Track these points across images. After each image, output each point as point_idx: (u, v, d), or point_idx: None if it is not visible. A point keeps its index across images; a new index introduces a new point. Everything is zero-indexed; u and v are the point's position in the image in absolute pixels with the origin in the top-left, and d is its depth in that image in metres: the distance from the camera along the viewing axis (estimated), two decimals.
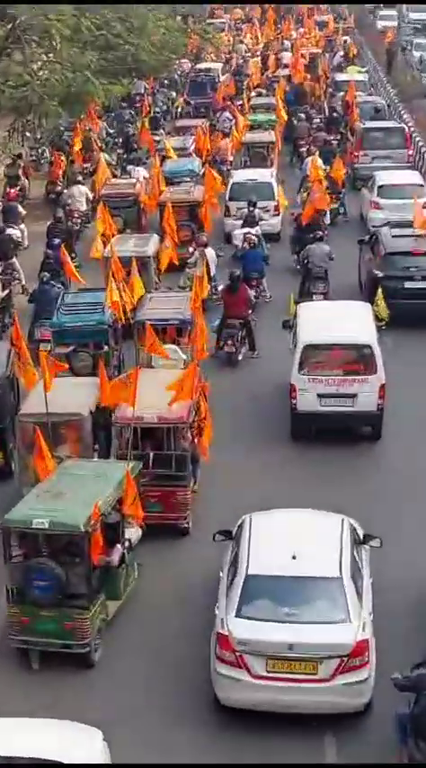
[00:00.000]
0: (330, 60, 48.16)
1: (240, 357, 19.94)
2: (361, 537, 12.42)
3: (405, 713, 9.90)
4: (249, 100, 38.77)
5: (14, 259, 23.19)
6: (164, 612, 13.06)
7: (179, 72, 44.03)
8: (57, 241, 22.82)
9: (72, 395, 14.66)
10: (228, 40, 54.80)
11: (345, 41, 54.89)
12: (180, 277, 21.92)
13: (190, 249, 22.71)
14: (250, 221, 24.07)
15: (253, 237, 22.71)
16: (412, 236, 21.94)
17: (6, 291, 21.78)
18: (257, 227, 23.75)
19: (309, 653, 10.78)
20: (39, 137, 32.55)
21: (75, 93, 28.39)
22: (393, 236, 22.06)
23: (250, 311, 20.25)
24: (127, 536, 13.09)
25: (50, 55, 29.33)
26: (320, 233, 23.04)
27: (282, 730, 10.91)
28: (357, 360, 16.78)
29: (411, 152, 31.58)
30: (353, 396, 16.62)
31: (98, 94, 29.49)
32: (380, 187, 26.87)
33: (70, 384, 15.27)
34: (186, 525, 14.54)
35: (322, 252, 22.07)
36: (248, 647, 10.85)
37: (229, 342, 19.75)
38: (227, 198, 26.72)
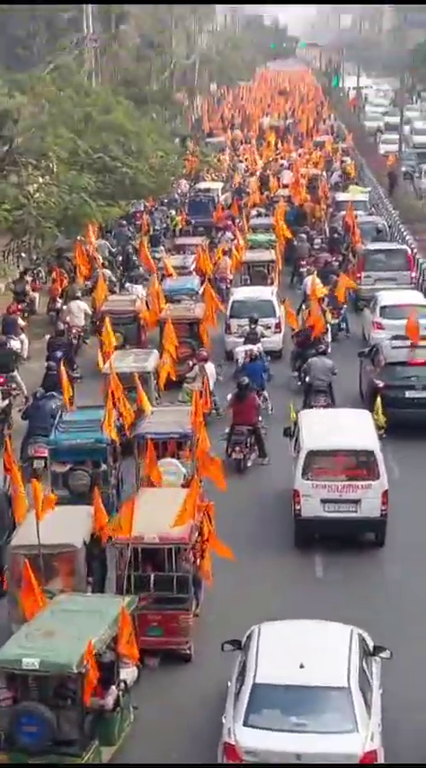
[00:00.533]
0: (328, 180, 48.40)
1: (249, 463, 20.06)
2: (371, 648, 12.31)
3: None
4: (248, 220, 38.72)
5: (16, 372, 23.13)
6: (164, 754, 12.15)
7: (178, 192, 44.22)
8: (59, 354, 23.09)
9: (65, 525, 14.05)
10: (227, 160, 55.38)
11: (344, 161, 55.42)
12: (179, 393, 21.98)
13: (190, 363, 22.85)
14: (251, 338, 24.15)
15: (255, 351, 22.80)
16: (411, 347, 22.54)
17: (6, 402, 21.68)
18: (259, 345, 23.76)
19: (317, 763, 10.69)
20: (35, 257, 32.28)
21: (71, 215, 28.34)
22: (392, 348, 22.64)
23: (259, 418, 20.43)
24: (122, 677, 12.32)
25: (47, 177, 29.28)
26: (323, 347, 23.27)
27: None
28: (359, 465, 16.94)
29: (414, 274, 31.22)
30: (357, 501, 16.71)
31: (95, 216, 29.46)
32: (383, 308, 26.65)
33: (63, 513, 14.56)
34: (188, 651, 13.91)
35: (324, 365, 22.23)
36: (255, 757, 10.80)
37: (237, 448, 19.89)
38: (228, 315, 26.72)
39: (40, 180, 28.95)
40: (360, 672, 11.49)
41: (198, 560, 14.52)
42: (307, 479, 16.80)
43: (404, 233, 38.27)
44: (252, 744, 10.77)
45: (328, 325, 25.77)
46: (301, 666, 11.26)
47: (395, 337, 23.28)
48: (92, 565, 14.30)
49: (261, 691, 11.12)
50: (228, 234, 36.15)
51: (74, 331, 26.42)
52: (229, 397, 20.80)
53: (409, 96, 76.52)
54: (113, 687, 11.96)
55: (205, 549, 14.59)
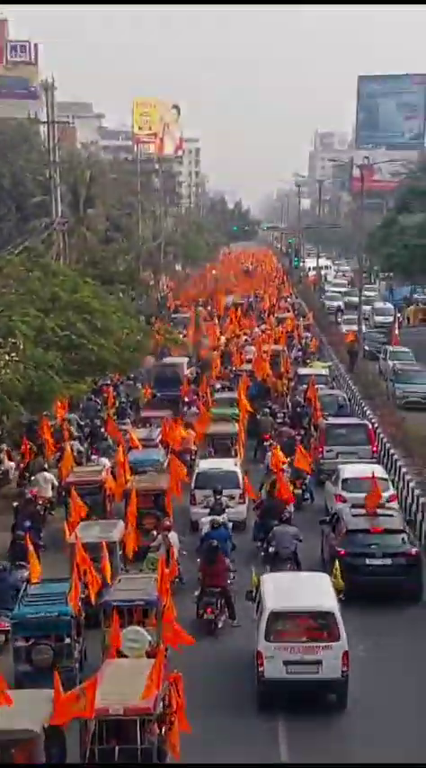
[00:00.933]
0: (290, 355, 49.49)
1: (220, 624, 20.41)
2: None
3: None
4: (212, 394, 39.32)
5: None
6: None
7: (143, 369, 45.04)
8: (27, 524, 23.51)
9: (24, 710, 13.64)
10: (191, 336, 56.60)
11: (306, 337, 56.79)
12: (144, 562, 21.92)
13: (155, 533, 23.19)
14: (216, 509, 24.43)
15: (219, 520, 23.00)
16: (373, 514, 23.12)
17: None
18: (224, 515, 24.04)
19: None
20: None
21: (37, 391, 28.66)
22: (353, 516, 23.18)
23: (228, 582, 20.83)
24: None
25: (13, 354, 29.74)
26: (287, 515, 23.52)
27: None
28: (320, 627, 17.32)
29: (375, 448, 31.68)
30: (318, 662, 17.07)
31: (61, 392, 29.82)
32: (344, 480, 26.98)
33: (22, 697, 14.34)
34: None
35: (288, 533, 22.50)
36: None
37: (209, 610, 20.25)
38: (193, 486, 27.19)
39: (7, 357, 29.40)
40: None
41: (163, 732, 14.36)
42: (270, 641, 17.14)
43: (365, 408, 39.02)
44: None
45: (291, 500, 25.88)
46: None
47: (355, 506, 23.84)
48: (51, 751, 13.79)
49: None
50: (193, 408, 36.96)
51: (40, 502, 26.66)
52: (198, 560, 21.25)
53: (367, 276, 79.13)
54: None
55: (172, 721, 14.49)
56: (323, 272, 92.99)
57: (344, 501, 25.88)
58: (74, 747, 14.18)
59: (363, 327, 56.11)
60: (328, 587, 18.46)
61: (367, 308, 64.22)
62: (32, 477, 28.35)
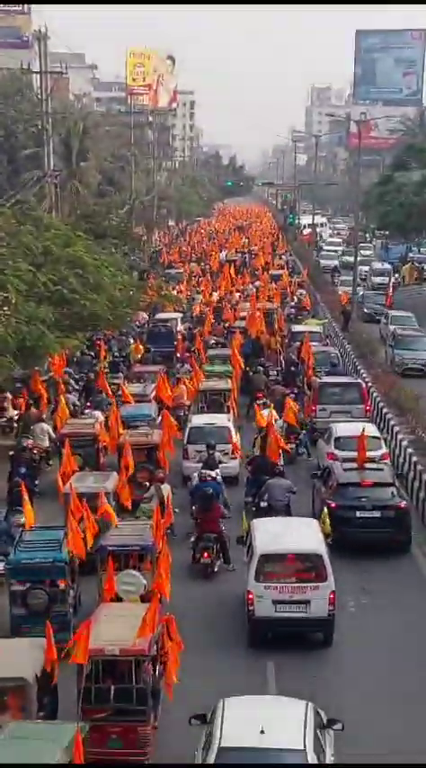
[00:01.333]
0: (283, 312, 49.35)
1: (216, 569, 21.19)
2: (325, 721, 13.52)
3: None
4: (205, 350, 39.17)
5: None
6: None
7: (136, 323, 44.90)
8: (23, 470, 24.30)
9: (16, 656, 14.16)
10: (185, 292, 56.43)
11: (300, 294, 56.61)
12: (136, 512, 22.16)
13: (147, 484, 23.55)
14: (210, 464, 24.70)
15: (206, 472, 23.43)
16: (362, 468, 23.59)
17: None
18: (217, 470, 24.36)
19: None
20: None
21: (29, 346, 28.49)
22: (344, 470, 23.70)
23: (223, 528, 21.49)
24: None
25: (5, 308, 29.51)
26: (280, 468, 24.02)
27: None
28: (309, 568, 18.21)
29: (368, 407, 31.64)
30: (306, 602, 17.91)
31: (53, 348, 29.64)
32: (337, 439, 27.01)
33: (14, 645, 14.94)
34: (147, 763, 14.34)
35: (281, 486, 23.02)
36: None
37: (205, 554, 21.09)
38: (186, 441, 27.41)
39: None
40: (315, 738, 12.71)
41: (156, 672, 14.99)
42: (260, 581, 18.00)
43: (359, 367, 38.92)
44: None
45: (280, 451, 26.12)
46: (262, 731, 12.36)
47: (346, 460, 24.27)
48: (43, 700, 14.19)
49: (225, 753, 12.25)
50: (186, 365, 37.02)
51: (36, 451, 27.06)
52: (194, 508, 22.07)
53: (363, 235, 78.70)
54: None
55: (165, 662, 15.09)
56: (318, 230, 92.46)
57: (336, 459, 25.91)
58: (68, 688, 14.47)
59: (360, 289, 55.90)
60: (316, 531, 19.35)
61: (364, 268, 63.90)
62: (31, 428, 28.48)
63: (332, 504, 22.44)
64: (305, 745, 12.37)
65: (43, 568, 18.09)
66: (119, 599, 17.23)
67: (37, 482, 25.01)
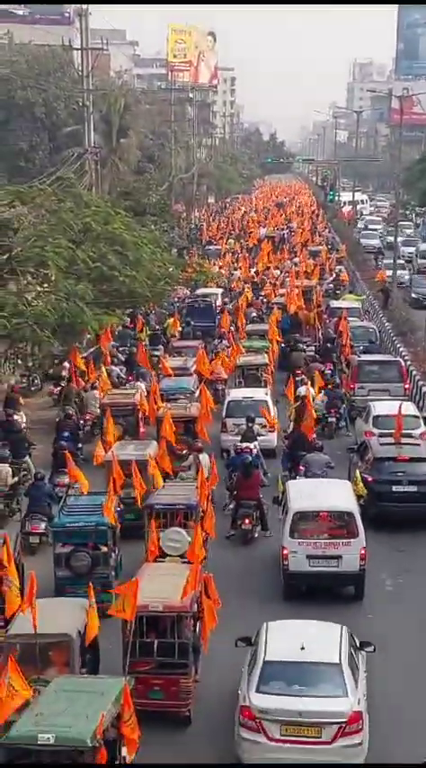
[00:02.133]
0: (322, 289, 49.38)
1: (256, 535, 21.87)
2: (358, 644, 15.07)
3: None
4: (245, 324, 39.46)
5: (27, 458, 24.97)
6: None
7: (176, 299, 45.18)
8: (66, 434, 25.46)
9: (61, 616, 14.80)
10: (225, 268, 56.63)
11: (338, 270, 56.49)
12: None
13: (186, 453, 24.08)
14: (249, 436, 25.12)
15: (243, 446, 23.98)
16: (399, 443, 23.69)
17: (16, 479, 23.30)
18: (255, 442, 24.81)
19: (315, 719, 13.36)
20: (30, 364, 32.69)
21: (68, 323, 28.77)
22: (381, 444, 23.84)
23: (260, 495, 22.12)
24: (122, 754, 12.70)
25: (45, 285, 29.80)
26: (319, 443, 24.54)
27: None
28: (341, 525, 19.08)
29: (407, 386, 31.55)
30: (338, 557, 18.81)
31: (91, 324, 29.89)
32: (375, 418, 26.98)
33: (59, 604, 15.74)
34: (187, 714, 15.05)
35: (320, 461, 23.37)
36: (266, 715, 13.48)
37: (246, 521, 21.73)
38: (224, 415, 27.92)
39: (38, 288, 29.45)
40: (349, 656, 14.26)
41: (196, 629, 15.66)
42: (294, 538, 18.90)
43: (398, 345, 38.82)
44: (264, 705, 13.49)
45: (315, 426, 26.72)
46: (302, 648, 14.03)
47: (383, 434, 24.47)
48: (85, 656, 14.76)
49: (269, 666, 13.89)
50: (225, 341, 37.53)
51: (88, 417, 28.23)
52: (234, 476, 22.63)
53: (404, 213, 77.96)
54: (117, 764, 12.40)
55: (202, 618, 15.73)
56: (358, 207, 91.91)
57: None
58: (109, 646, 15.21)
59: (405, 273, 55.11)
60: (349, 491, 20.29)
61: (408, 249, 62.76)
62: (84, 396, 29.30)
63: (369, 479, 22.64)
64: (340, 660, 13.98)
65: (87, 532, 18.71)
66: (162, 556, 18.04)
67: (80, 446, 25.88)
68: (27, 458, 24.98)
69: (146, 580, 15.15)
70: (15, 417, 26.58)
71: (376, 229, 77.82)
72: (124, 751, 12.65)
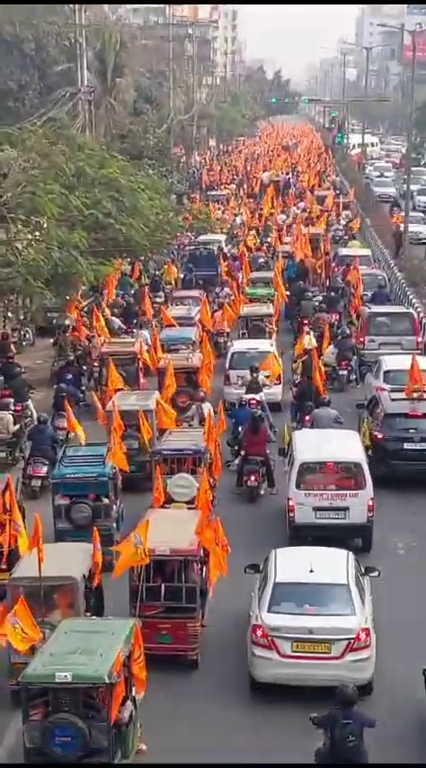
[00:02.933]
0: (328, 236, 49.22)
1: (261, 492, 22.09)
2: (363, 569, 16.08)
3: (322, 749, 12.45)
4: (249, 274, 39.57)
5: (29, 401, 25.64)
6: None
7: (176, 246, 45.02)
8: (70, 376, 26.42)
9: (65, 560, 15.41)
10: (229, 213, 56.49)
11: (346, 215, 56.32)
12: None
13: (188, 403, 24.75)
14: (254, 388, 25.44)
15: (248, 398, 24.35)
16: (411, 398, 23.39)
17: (17, 427, 23.78)
18: (261, 394, 25.13)
19: (324, 636, 14.47)
20: (22, 317, 32.50)
21: (62, 273, 28.50)
22: (392, 400, 23.59)
23: (268, 451, 22.27)
24: (133, 693, 13.36)
25: (37, 233, 29.49)
26: (327, 398, 24.54)
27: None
28: (348, 476, 19.42)
29: (420, 339, 31.32)
30: (345, 509, 19.16)
31: (86, 275, 29.63)
32: (386, 372, 26.83)
33: (64, 549, 16.42)
34: (195, 657, 15.73)
35: (328, 416, 23.53)
36: (278, 632, 14.60)
37: (252, 477, 21.96)
38: (228, 366, 28.09)
39: (30, 237, 29.15)
40: (356, 578, 15.49)
41: (203, 574, 16.34)
42: (300, 489, 19.23)
43: (410, 296, 38.57)
44: (276, 623, 14.64)
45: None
46: (311, 570, 15.21)
47: (394, 389, 24.27)
48: (89, 600, 15.34)
49: (280, 588, 15.02)
50: (226, 290, 37.64)
51: (95, 365, 28.45)
52: (241, 429, 22.75)
53: (417, 157, 77.10)
54: (129, 702, 13.03)
55: (206, 562, 16.46)
56: (368, 150, 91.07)
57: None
58: (112, 591, 16.04)
59: (423, 227, 54.22)
60: (356, 441, 20.60)
61: (424, 198, 61.95)
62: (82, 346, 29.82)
63: (379, 436, 22.60)
64: (348, 581, 15.17)
65: (87, 483, 19.02)
66: (168, 502, 18.65)
67: (83, 389, 26.81)
68: (29, 401, 25.48)
69: (153, 525, 15.46)
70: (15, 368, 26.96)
71: (388, 176, 76.75)
72: (133, 690, 13.31)
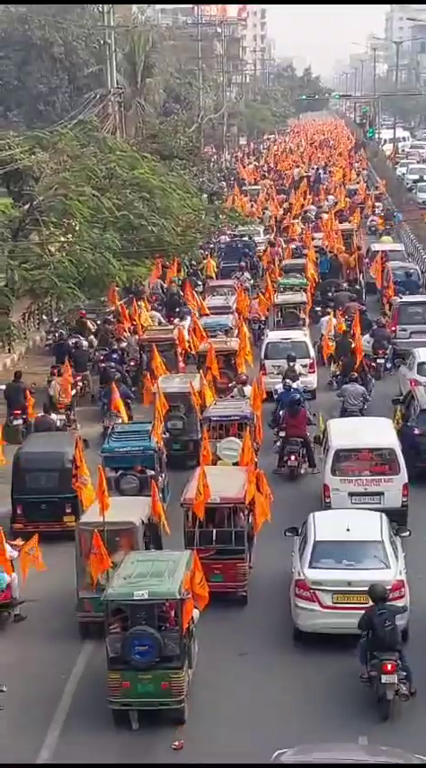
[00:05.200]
0: (364, 227, 49.48)
1: (302, 471, 22.75)
2: (396, 530, 17.02)
3: (363, 641, 14.36)
4: (281, 262, 40.37)
5: (88, 372, 28.10)
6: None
7: (215, 240, 45.48)
8: (115, 355, 27.93)
9: (126, 508, 17.23)
10: (260, 207, 56.82)
11: (378, 207, 56.43)
12: None
13: (231, 386, 26.02)
14: (291, 376, 26.05)
15: (289, 382, 25.05)
16: None
17: (73, 392, 26.06)
18: (298, 382, 25.78)
19: (363, 587, 15.04)
20: (55, 320, 32.63)
21: (95, 275, 28.60)
22: None
23: (308, 433, 22.96)
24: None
25: (69, 236, 29.62)
26: (355, 375, 25.69)
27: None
28: (382, 462, 19.82)
29: None
30: (380, 494, 19.54)
31: (119, 276, 29.71)
32: (421, 364, 26.73)
33: (125, 501, 18.19)
34: (244, 594, 17.41)
35: (356, 391, 24.69)
36: (319, 586, 15.70)
37: (292, 457, 22.67)
38: (263, 356, 28.70)
39: (62, 239, 29.29)
40: (390, 535, 16.50)
41: (249, 520, 17.90)
42: (336, 475, 19.68)
43: None
44: (317, 577, 15.74)
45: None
46: (347, 529, 16.33)
47: None
48: (148, 545, 17.05)
49: (320, 545, 16.12)
50: (246, 274, 39.41)
51: (132, 364, 29.06)
52: (282, 413, 23.47)
53: None
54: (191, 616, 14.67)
55: (253, 510, 18.00)
56: (400, 145, 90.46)
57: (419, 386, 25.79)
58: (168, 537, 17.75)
59: None
60: (389, 428, 21.04)
61: None
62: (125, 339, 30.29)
63: (416, 431, 22.40)
64: (382, 538, 16.22)
65: (134, 456, 20.37)
66: (215, 463, 19.81)
67: (127, 370, 28.08)
68: (87, 372, 28.01)
69: (203, 478, 17.12)
70: (83, 342, 29.47)
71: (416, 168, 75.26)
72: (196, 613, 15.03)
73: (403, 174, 69.84)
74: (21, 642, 16.53)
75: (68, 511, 19.53)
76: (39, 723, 14.28)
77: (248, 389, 24.41)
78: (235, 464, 19.86)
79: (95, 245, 28.54)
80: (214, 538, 17.41)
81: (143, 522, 16.95)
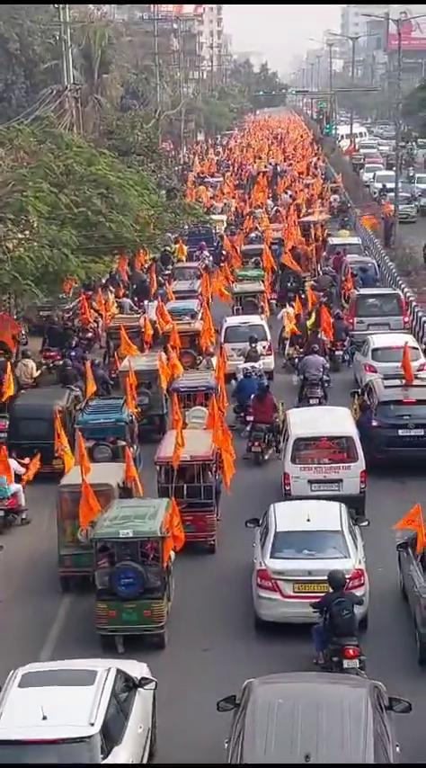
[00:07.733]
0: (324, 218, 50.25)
1: (266, 457, 23.67)
2: (355, 519, 17.64)
3: (320, 626, 14.79)
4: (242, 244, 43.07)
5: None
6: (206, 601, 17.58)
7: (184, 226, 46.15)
8: (73, 353, 29.02)
9: (103, 473, 18.69)
10: (220, 198, 57.35)
11: (334, 199, 57.12)
12: None
13: (200, 358, 28.24)
14: (253, 356, 27.56)
15: (249, 366, 26.49)
16: (404, 385, 23.94)
17: (38, 372, 27.93)
18: (260, 362, 27.37)
19: (323, 576, 15.29)
20: (15, 317, 32.41)
21: (52, 271, 28.40)
22: (385, 387, 23.91)
23: (275, 417, 23.85)
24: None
25: (26, 232, 29.39)
26: (316, 347, 27.23)
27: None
28: (341, 449, 20.39)
29: (407, 319, 31.80)
30: (339, 481, 20.09)
31: (77, 273, 29.56)
32: (374, 350, 27.38)
33: (101, 466, 19.53)
34: (212, 543, 19.24)
35: (316, 361, 26.11)
36: (281, 575, 16.14)
37: (257, 443, 23.59)
38: (222, 340, 29.93)
39: (20, 235, 29.06)
40: (349, 525, 17.00)
41: (216, 476, 19.56)
42: (296, 463, 20.23)
43: (399, 280, 38.62)
44: (278, 567, 16.20)
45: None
46: (308, 520, 16.84)
47: (388, 376, 24.56)
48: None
49: (281, 536, 16.56)
50: (205, 252, 42.79)
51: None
52: (251, 397, 24.51)
53: (404, 144, 76.15)
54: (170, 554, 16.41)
55: (222, 467, 19.66)
56: (357, 140, 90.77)
57: (374, 371, 26.45)
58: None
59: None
60: (348, 417, 21.74)
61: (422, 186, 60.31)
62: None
63: (374, 423, 22.73)
64: (342, 528, 16.67)
65: (107, 427, 21.76)
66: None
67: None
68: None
69: (174, 440, 18.84)
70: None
71: (377, 168, 72.97)
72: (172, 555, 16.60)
73: (371, 180, 67.05)
74: (3, 592, 18.19)
75: (56, 455, 21.18)
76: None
77: (214, 360, 26.62)
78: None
79: (53, 242, 28.34)
80: (185, 492, 18.96)
81: (118, 484, 18.35)
